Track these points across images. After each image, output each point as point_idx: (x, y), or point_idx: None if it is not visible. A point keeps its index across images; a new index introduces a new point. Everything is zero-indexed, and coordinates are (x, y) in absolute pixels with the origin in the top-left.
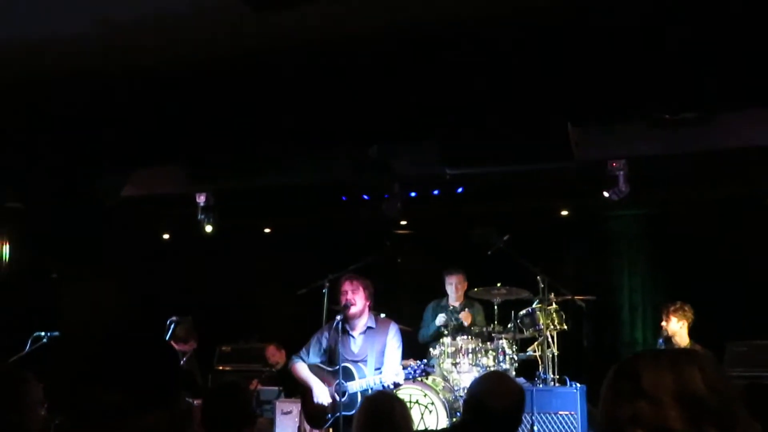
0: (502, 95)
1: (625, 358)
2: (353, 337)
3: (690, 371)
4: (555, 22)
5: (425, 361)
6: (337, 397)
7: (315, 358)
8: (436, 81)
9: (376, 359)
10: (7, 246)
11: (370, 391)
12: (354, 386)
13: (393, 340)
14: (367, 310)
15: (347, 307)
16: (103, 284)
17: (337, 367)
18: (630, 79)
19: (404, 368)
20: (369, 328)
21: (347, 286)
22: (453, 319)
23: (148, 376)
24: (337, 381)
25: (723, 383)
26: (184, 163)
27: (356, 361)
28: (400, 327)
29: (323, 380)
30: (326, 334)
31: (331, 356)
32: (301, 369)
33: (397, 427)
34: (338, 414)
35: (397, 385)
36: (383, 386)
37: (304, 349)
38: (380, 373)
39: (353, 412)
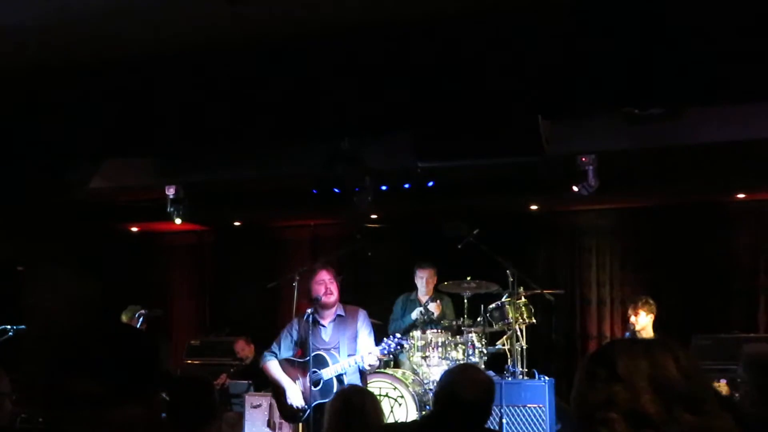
0: (473, 89)
1: (599, 347)
2: (324, 326)
3: (664, 358)
4: (525, 17)
5: (398, 335)
6: (311, 388)
7: (287, 352)
8: (408, 74)
9: (348, 346)
10: None
11: (345, 375)
12: (329, 372)
13: (363, 326)
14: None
15: (318, 299)
16: (70, 277)
17: (307, 358)
18: (599, 74)
19: (378, 344)
20: (339, 316)
21: (325, 275)
22: (427, 315)
23: (126, 367)
24: (310, 371)
25: (695, 370)
26: (153, 156)
27: (328, 349)
28: (372, 321)
29: (296, 374)
30: (296, 326)
31: (302, 348)
32: (273, 368)
33: (368, 421)
34: (313, 404)
35: (371, 366)
36: (359, 367)
37: (275, 344)
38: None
39: (329, 398)
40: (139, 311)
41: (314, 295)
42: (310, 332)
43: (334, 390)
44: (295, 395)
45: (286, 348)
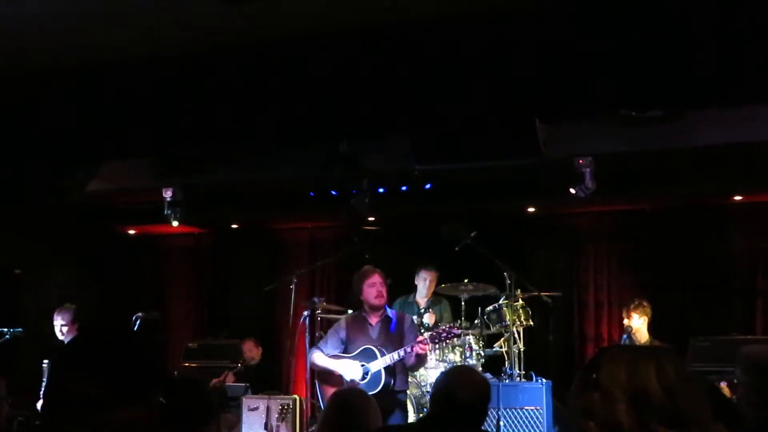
0: (471, 91)
1: (596, 352)
2: (371, 324)
3: (646, 368)
4: (523, 19)
5: (449, 324)
6: (360, 382)
7: (333, 350)
8: (406, 76)
9: (394, 347)
10: None
11: (393, 366)
12: (376, 365)
13: (410, 329)
14: None
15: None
16: (69, 281)
17: (355, 353)
18: (598, 77)
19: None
20: (386, 317)
21: (377, 278)
22: (422, 325)
23: (126, 370)
24: (360, 364)
25: (682, 384)
26: (151, 158)
27: (377, 346)
28: None
29: (344, 360)
30: (343, 324)
31: (349, 346)
32: (320, 356)
33: (364, 423)
34: None
35: (420, 356)
36: (405, 353)
37: (322, 342)
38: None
39: (377, 390)
40: (137, 314)
41: (365, 297)
42: (359, 330)
43: (382, 381)
44: (351, 369)
45: (332, 346)
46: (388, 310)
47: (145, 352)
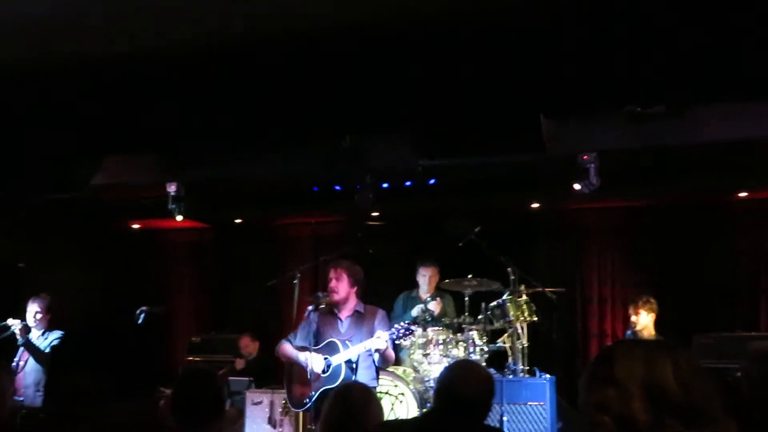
0: (475, 87)
1: (604, 347)
2: (341, 320)
3: (662, 364)
4: (527, 16)
5: (407, 323)
6: (321, 374)
7: (302, 343)
8: (410, 72)
9: (363, 340)
10: None
11: (354, 363)
12: (338, 358)
13: (380, 324)
14: (353, 295)
15: (318, 297)
16: (73, 275)
17: (321, 345)
18: (602, 72)
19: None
20: (357, 312)
21: (331, 274)
22: (427, 315)
23: (130, 364)
24: (322, 357)
25: (696, 380)
26: (155, 153)
27: (342, 340)
28: None
29: (309, 352)
30: (315, 318)
31: (318, 339)
32: (288, 348)
33: (367, 417)
34: (320, 390)
35: (378, 350)
36: (373, 361)
37: (291, 334)
38: (366, 353)
39: (335, 384)
40: (141, 308)
41: (315, 293)
42: (328, 324)
43: (341, 376)
44: (315, 360)
45: (302, 338)
46: (359, 304)
47: (149, 346)
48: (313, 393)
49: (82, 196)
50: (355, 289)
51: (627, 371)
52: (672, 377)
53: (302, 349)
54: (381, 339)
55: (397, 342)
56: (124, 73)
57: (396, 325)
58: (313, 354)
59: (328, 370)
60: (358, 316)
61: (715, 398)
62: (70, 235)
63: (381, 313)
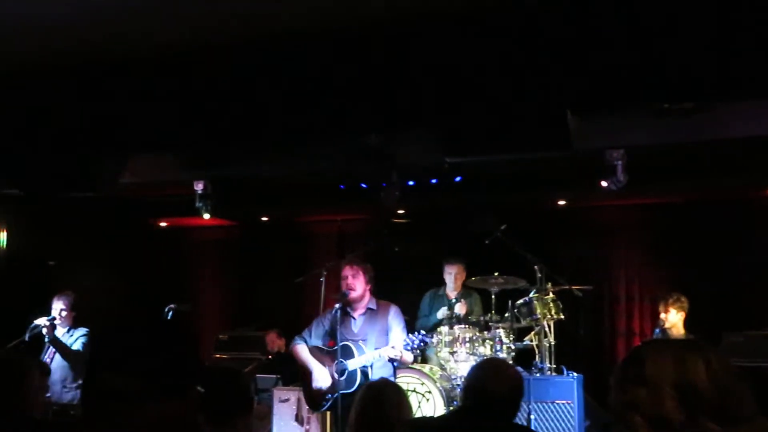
0: (501, 83)
1: (634, 346)
2: (354, 318)
3: (694, 362)
4: (554, 10)
5: (423, 332)
6: (336, 377)
7: (317, 341)
8: (436, 69)
9: (377, 340)
10: (5, 233)
11: (369, 368)
12: (353, 363)
13: (395, 320)
14: (367, 293)
15: (345, 295)
16: (101, 272)
17: (336, 347)
18: (630, 68)
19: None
20: (369, 309)
21: (347, 272)
22: (453, 316)
23: (162, 362)
24: (337, 360)
25: (729, 378)
26: (182, 151)
27: (356, 341)
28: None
29: (323, 361)
30: (328, 316)
31: (332, 338)
32: (302, 351)
33: (395, 414)
34: (337, 394)
35: (393, 360)
36: (389, 360)
37: (306, 330)
38: None
39: (352, 389)
40: (169, 306)
41: (341, 290)
42: (341, 324)
43: (357, 381)
44: (322, 377)
45: (316, 336)
46: (372, 301)
47: (179, 345)
48: (329, 396)
49: (111, 195)
50: (370, 286)
51: (658, 371)
52: (704, 377)
53: (317, 351)
54: (396, 349)
55: (412, 351)
56: (152, 71)
57: (410, 336)
58: (325, 371)
59: (343, 375)
60: (371, 314)
61: (748, 397)
62: (99, 234)
63: (394, 309)
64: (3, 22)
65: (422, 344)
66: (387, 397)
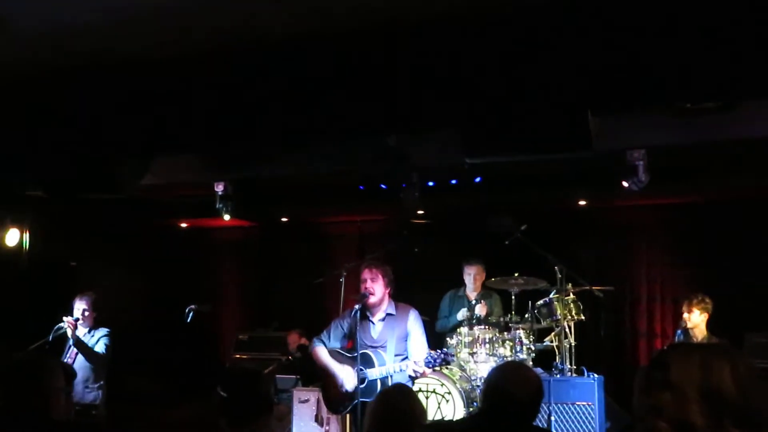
0: (521, 84)
1: (660, 349)
2: (373, 323)
3: (719, 367)
4: (574, 11)
5: (445, 350)
6: (356, 383)
7: (335, 343)
8: (456, 69)
9: (396, 345)
10: (27, 234)
11: (389, 379)
12: (374, 373)
13: (414, 325)
14: (387, 297)
15: (365, 296)
16: (123, 273)
17: (355, 354)
18: (651, 68)
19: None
20: (389, 314)
21: (366, 275)
22: (474, 317)
23: (183, 368)
24: (357, 368)
25: (755, 383)
26: (203, 153)
27: (375, 347)
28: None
29: (343, 365)
30: (347, 319)
31: (351, 340)
32: (322, 353)
33: (410, 420)
34: (357, 401)
35: (415, 377)
36: (400, 370)
37: (325, 332)
38: (400, 359)
39: (372, 398)
40: (190, 306)
41: (361, 292)
42: (360, 328)
43: (377, 391)
44: (349, 379)
45: (335, 338)
46: (391, 305)
47: (202, 349)
48: (348, 404)
49: (132, 196)
50: (389, 290)
51: (683, 375)
52: (730, 381)
53: (336, 354)
54: (418, 365)
55: (434, 368)
56: (172, 73)
57: (433, 353)
58: (349, 371)
59: (363, 384)
60: (390, 319)
61: None
62: (120, 235)
63: (413, 314)
64: (24, 24)
65: (443, 362)
66: (400, 404)
